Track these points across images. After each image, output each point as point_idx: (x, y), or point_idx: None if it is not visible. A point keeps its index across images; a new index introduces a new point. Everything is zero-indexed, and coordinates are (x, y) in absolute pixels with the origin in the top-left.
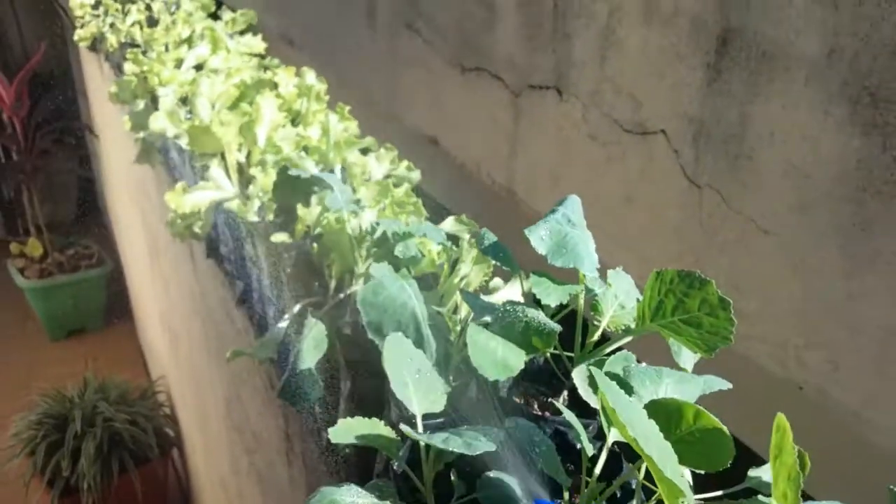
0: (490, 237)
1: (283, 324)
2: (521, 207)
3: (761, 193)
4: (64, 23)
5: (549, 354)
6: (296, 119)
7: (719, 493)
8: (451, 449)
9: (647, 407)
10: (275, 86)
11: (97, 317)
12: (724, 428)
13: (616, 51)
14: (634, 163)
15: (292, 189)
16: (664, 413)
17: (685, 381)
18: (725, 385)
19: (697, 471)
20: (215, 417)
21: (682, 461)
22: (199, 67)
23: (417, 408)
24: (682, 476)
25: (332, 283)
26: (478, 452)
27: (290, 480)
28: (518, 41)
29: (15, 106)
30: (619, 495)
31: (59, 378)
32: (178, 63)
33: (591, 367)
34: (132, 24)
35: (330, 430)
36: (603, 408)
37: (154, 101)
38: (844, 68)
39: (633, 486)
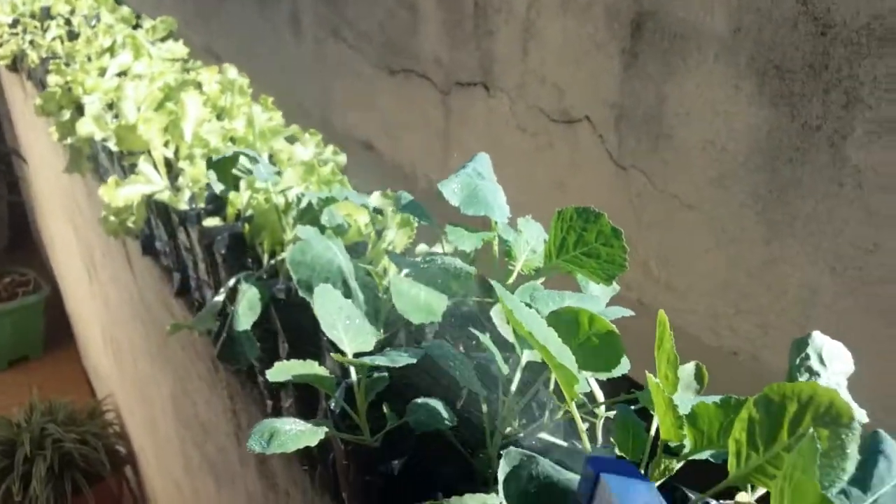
0: (406, 197)
1: (220, 297)
2: None
3: (682, 170)
4: None
5: (471, 302)
6: (221, 115)
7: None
8: (377, 364)
9: (547, 318)
10: (199, 85)
11: (37, 344)
12: (616, 329)
13: (537, 43)
14: (563, 150)
15: (225, 170)
16: (563, 322)
17: (585, 300)
18: (628, 312)
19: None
20: (163, 420)
21: (582, 367)
22: (122, 75)
23: (348, 348)
24: (581, 373)
25: (265, 258)
26: (400, 365)
27: (240, 460)
28: (442, 40)
29: None
30: (537, 413)
31: (2, 409)
32: (102, 72)
33: (496, 285)
34: (53, 39)
35: (267, 371)
36: (514, 330)
37: (80, 110)
38: (750, 44)
39: (545, 402)
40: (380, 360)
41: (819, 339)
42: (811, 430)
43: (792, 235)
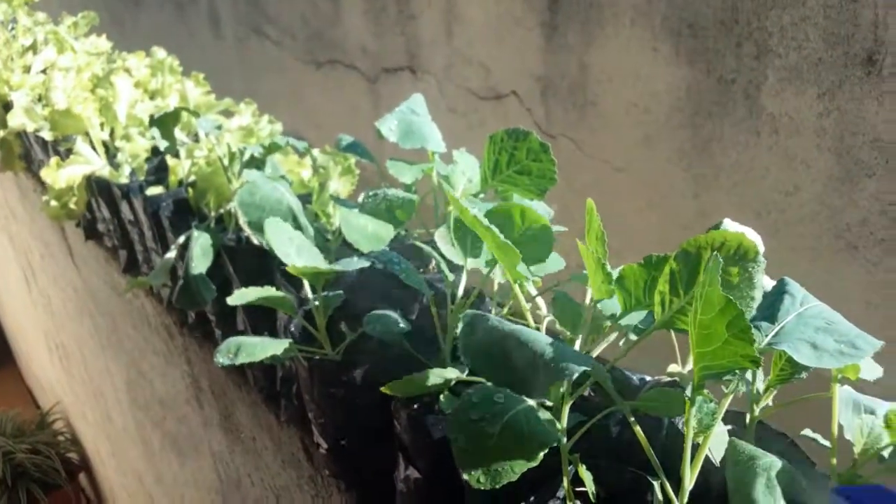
0: (347, 139)
1: (171, 254)
2: None
3: (609, 135)
4: None
5: (416, 234)
6: (154, 97)
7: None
8: (334, 270)
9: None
10: (128, 72)
11: None
12: (547, 222)
13: (460, 24)
14: (493, 126)
15: (167, 127)
16: (500, 219)
17: (519, 201)
18: (562, 228)
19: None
20: (119, 413)
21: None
22: (47, 71)
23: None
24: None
25: (212, 215)
26: (353, 268)
27: (204, 423)
28: (366, 28)
29: None
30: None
31: None
32: (26, 69)
33: (442, 183)
34: None
35: (228, 298)
36: (456, 237)
37: (7, 108)
38: (663, 5)
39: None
40: (336, 266)
41: None
42: (715, 253)
43: (718, 187)
